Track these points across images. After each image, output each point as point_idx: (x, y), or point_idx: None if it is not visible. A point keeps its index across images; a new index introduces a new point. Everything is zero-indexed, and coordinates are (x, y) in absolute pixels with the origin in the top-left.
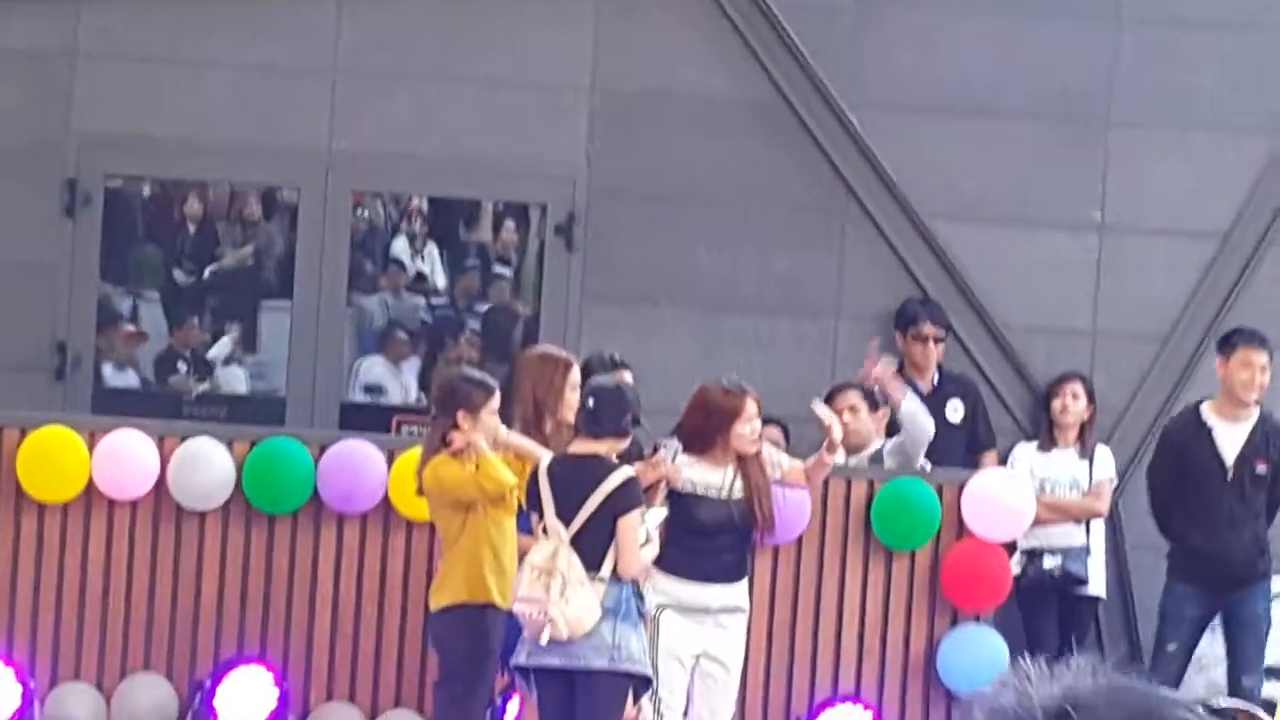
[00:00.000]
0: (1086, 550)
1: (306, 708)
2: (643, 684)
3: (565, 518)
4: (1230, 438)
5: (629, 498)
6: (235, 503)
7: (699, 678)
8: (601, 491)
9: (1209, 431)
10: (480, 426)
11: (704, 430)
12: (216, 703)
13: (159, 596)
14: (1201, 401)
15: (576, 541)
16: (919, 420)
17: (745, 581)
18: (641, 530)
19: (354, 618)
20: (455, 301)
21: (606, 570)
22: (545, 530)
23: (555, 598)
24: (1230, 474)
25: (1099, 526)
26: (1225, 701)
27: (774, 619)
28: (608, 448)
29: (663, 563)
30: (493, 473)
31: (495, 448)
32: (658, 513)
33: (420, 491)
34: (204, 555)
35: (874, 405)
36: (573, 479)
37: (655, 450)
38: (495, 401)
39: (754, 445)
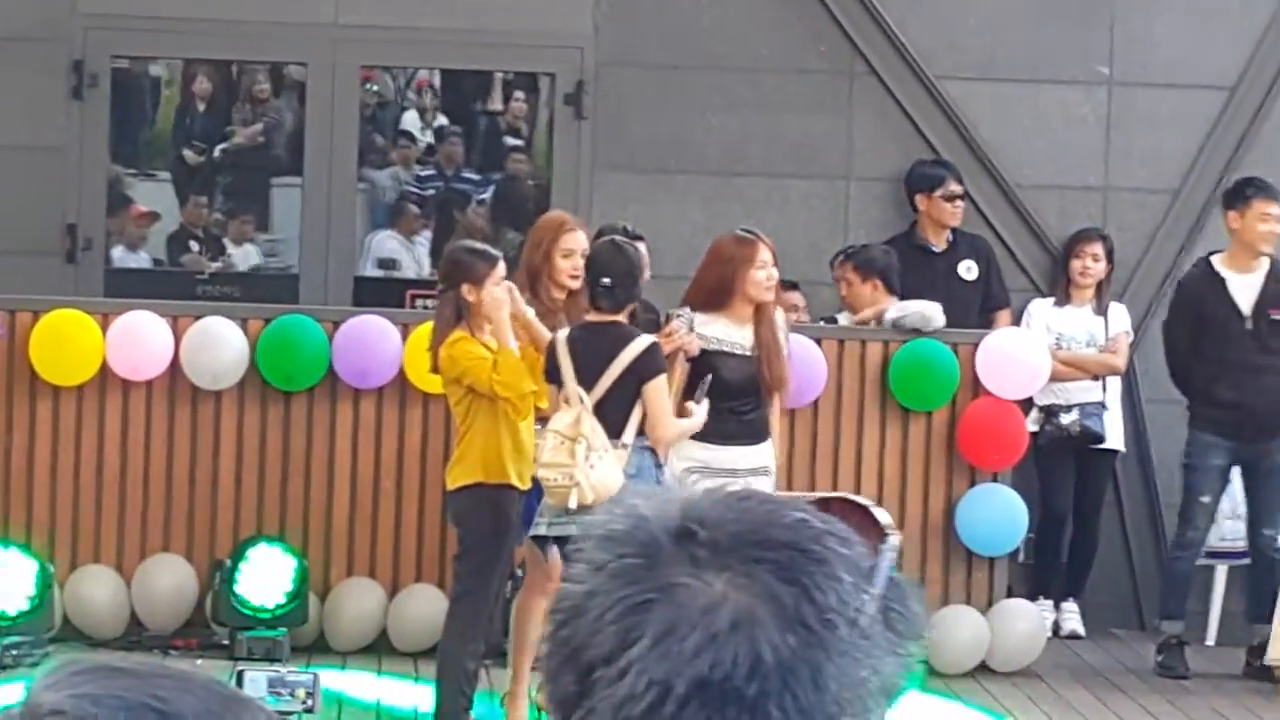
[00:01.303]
0: (1103, 406)
1: (327, 585)
2: None
3: (587, 385)
4: (1245, 288)
5: (653, 363)
6: (250, 381)
7: None
8: (624, 359)
9: (1224, 283)
10: (486, 297)
11: (720, 282)
12: (237, 582)
13: (176, 478)
14: (1211, 255)
15: (599, 409)
16: (922, 314)
17: (770, 442)
18: (670, 400)
19: (372, 494)
20: (458, 173)
21: (629, 437)
22: (566, 399)
23: (580, 463)
24: (1249, 323)
25: (1115, 382)
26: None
27: (791, 483)
28: (625, 315)
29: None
30: (510, 378)
31: (513, 323)
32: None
33: (435, 369)
34: (220, 435)
35: (891, 288)
36: (593, 347)
37: (668, 320)
38: (500, 271)
39: (769, 292)
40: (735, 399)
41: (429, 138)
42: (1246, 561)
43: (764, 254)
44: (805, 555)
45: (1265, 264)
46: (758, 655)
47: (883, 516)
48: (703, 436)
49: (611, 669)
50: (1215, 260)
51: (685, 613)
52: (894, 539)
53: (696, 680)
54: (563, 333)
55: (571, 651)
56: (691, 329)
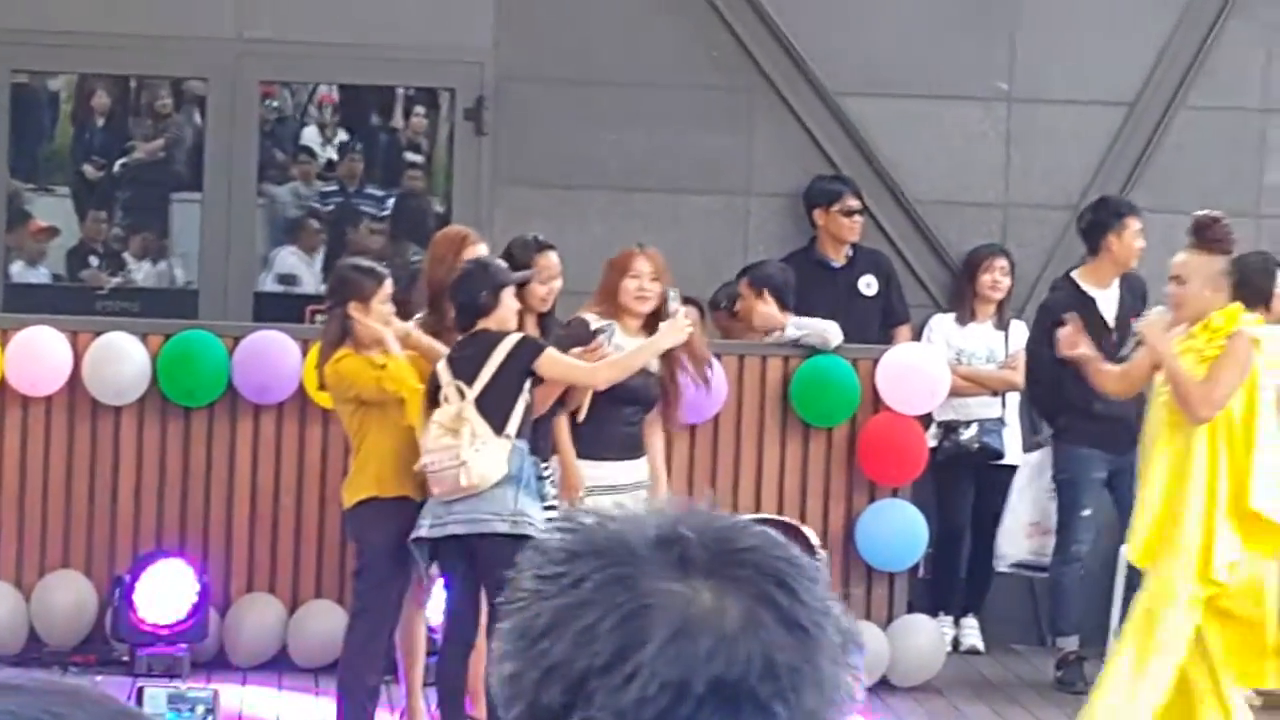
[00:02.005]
0: (1002, 422)
1: (227, 600)
2: None
3: (466, 381)
4: (1108, 302)
5: (531, 346)
6: (150, 397)
7: None
8: (499, 353)
9: (1093, 301)
10: (373, 315)
11: (606, 291)
12: (136, 598)
13: (76, 493)
14: (1069, 272)
15: (479, 404)
16: (820, 333)
17: (645, 458)
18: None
19: (272, 509)
20: (361, 189)
21: (512, 429)
22: (446, 398)
23: (465, 444)
24: (1115, 336)
25: (1014, 398)
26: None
27: (692, 498)
28: (493, 324)
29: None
30: (396, 373)
31: (402, 344)
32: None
33: (322, 386)
34: (120, 450)
35: (784, 305)
36: (467, 354)
37: (594, 335)
38: (387, 289)
39: (639, 303)
40: (627, 406)
41: (330, 153)
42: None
43: (639, 264)
44: (784, 561)
45: (1118, 276)
46: (768, 656)
47: (811, 535)
48: (586, 453)
49: (613, 676)
50: (1077, 278)
51: (691, 615)
52: (823, 554)
53: (713, 680)
54: (442, 362)
55: (554, 665)
56: (612, 341)
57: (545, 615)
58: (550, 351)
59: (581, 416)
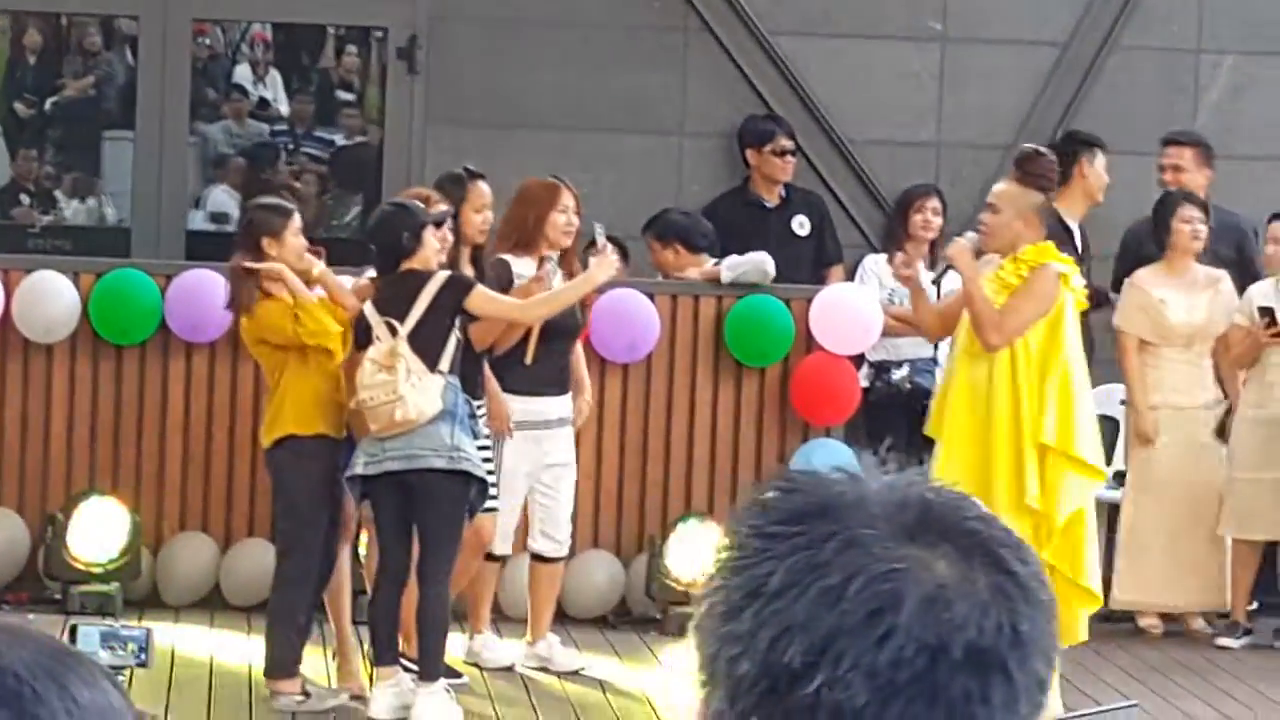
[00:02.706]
0: (935, 362)
1: (159, 539)
2: (480, 489)
3: (397, 320)
4: (1079, 240)
5: (461, 283)
6: (82, 335)
7: (538, 493)
8: (429, 291)
9: (1070, 231)
10: (287, 248)
11: (525, 224)
12: (69, 536)
13: (7, 431)
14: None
15: (411, 340)
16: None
17: (570, 394)
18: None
19: (205, 448)
20: (293, 128)
21: (444, 365)
22: (378, 337)
23: (402, 379)
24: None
25: (946, 339)
26: None
27: (625, 438)
28: (417, 264)
29: (503, 384)
30: (314, 325)
31: (309, 282)
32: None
33: (237, 324)
34: (52, 389)
35: (693, 248)
36: (393, 293)
37: (541, 264)
38: (296, 222)
39: (567, 237)
40: (557, 341)
41: (261, 90)
42: None
43: (566, 198)
44: (1007, 533)
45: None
46: (1015, 625)
47: None
48: (515, 388)
49: (865, 637)
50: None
51: (944, 581)
52: None
53: (968, 646)
54: (369, 303)
55: (794, 624)
56: (556, 276)
57: (779, 574)
58: (480, 289)
59: (530, 358)
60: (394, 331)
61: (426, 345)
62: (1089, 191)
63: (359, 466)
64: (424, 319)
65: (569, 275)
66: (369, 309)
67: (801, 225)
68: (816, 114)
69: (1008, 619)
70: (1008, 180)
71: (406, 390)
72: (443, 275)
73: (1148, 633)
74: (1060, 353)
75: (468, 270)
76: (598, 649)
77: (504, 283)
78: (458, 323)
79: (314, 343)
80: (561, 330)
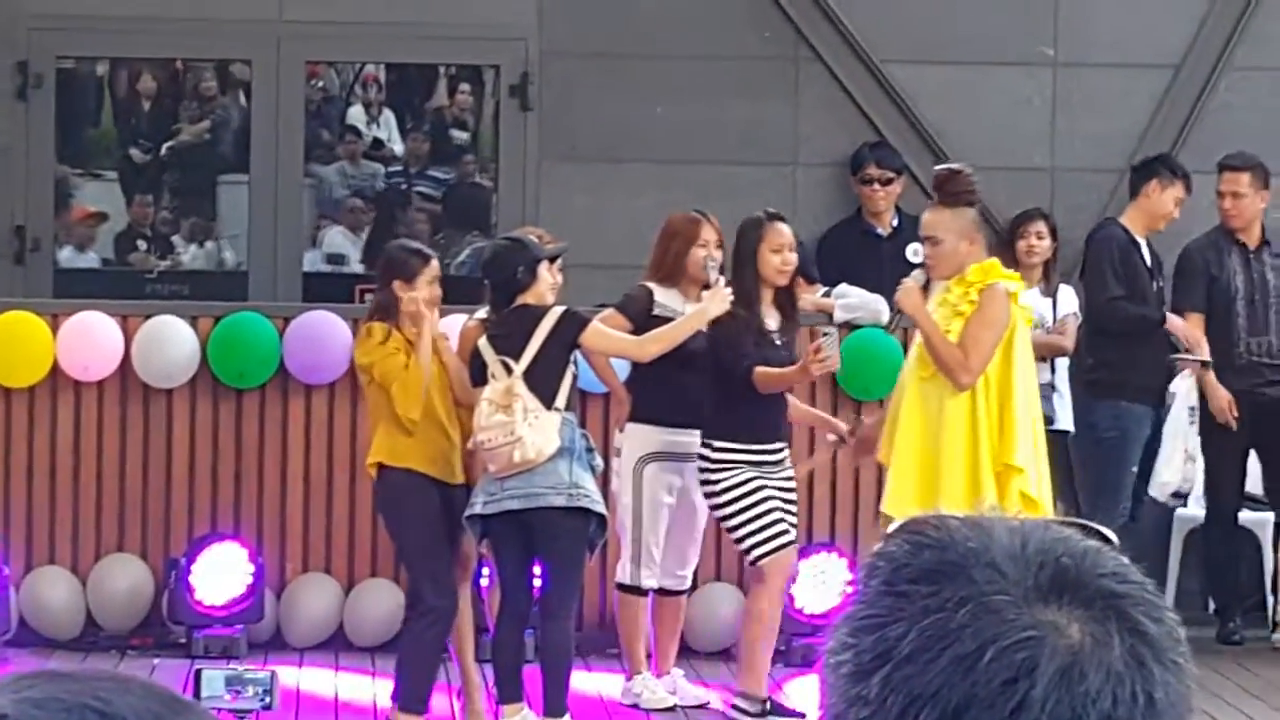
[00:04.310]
0: (1053, 387)
1: (283, 581)
2: (599, 524)
3: (512, 357)
4: (1147, 254)
5: (575, 321)
6: (201, 379)
7: (671, 523)
8: (543, 328)
9: (1137, 244)
10: (420, 295)
11: (667, 259)
12: (192, 580)
13: (130, 477)
14: (1117, 218)
15: (527, 378)
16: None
17: None
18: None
19: (326, 489)
20: (407, 168)
21: (561, 402)
22: (493, 375)
23: (519, 420)
24: (1156, 290)
25: (1064, 364)
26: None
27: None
28: (532, 298)
29: (635, 412)
30: (403, 397)
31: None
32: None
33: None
34: (173, 433)
35: (809, 279)
36: (509, 330)
37: (813, 336)
38: (434, 269)
39: (710, 273)
40: (693, 371)
41: (375, 132)
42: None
43: (706, 233)
44: (1143, 588)
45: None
46: (1150, 693)
47: (1110, 535)
48: (657, 419)
49: (997, 710)
50: (1126, 224)
51: (1079, 650)
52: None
53: (1103, 717)
54: (481, 337)
55: (925, 693)
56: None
57: (911, 638)
58: (595, 325)
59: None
60: (509, 370)
61: (543, 382)
62: (1150, 213)
63: (478, 506)
64: (539, 355)
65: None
66: (484, 345)
67: (916, 253)
68: (929, 141)
69: (1142, 686)
70: (934, 209)
71: (524, 431)
72: (558, 310)
73: None
74: (1013, 373)
75: (770, 314)
76: (723, 681)
77: (642, 308)
78: (574, 358)
79: (378, 376)
80: (702, 360)
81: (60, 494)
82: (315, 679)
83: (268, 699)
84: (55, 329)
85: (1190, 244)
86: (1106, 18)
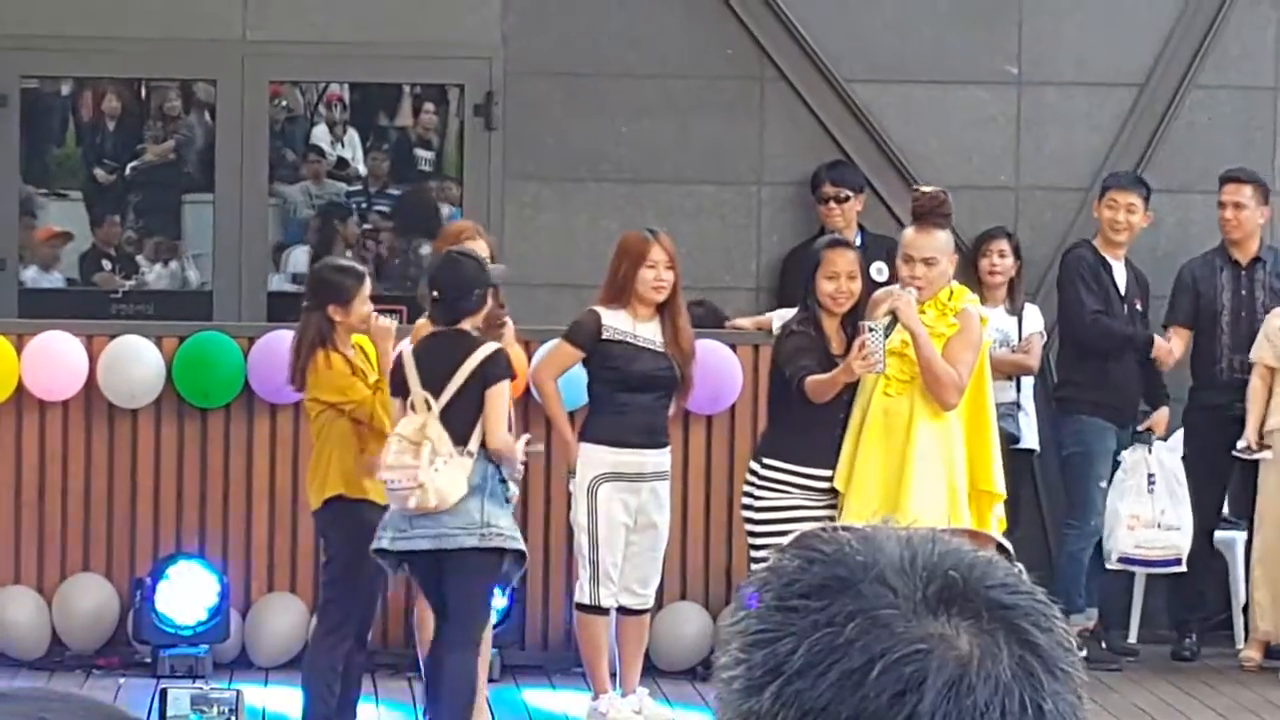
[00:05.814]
0: (1018, 406)
1: (248, 601)
2: (516, 560)
3: (433, 393)
4: (1118, 272)
5: (496, 369)
6: (166, 399)
7: (630, 546)
8: (468, 366)
9: (1109, 265)
10: (354, 317)
11: (617, 278)
12: (157, 600)
13: (95, 496)
14: (1089, 240)
15: (444, 415)
16: None
17: (668, 448)
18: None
19: (291, 508)
20: (368, 187)
21: (474, 445)
22: (413, 406)
23: (425, 465)
24: (1125, 308)
25: (1029, 383)
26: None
27: (710, 488)
28: (470, 324)
29: (588, 433)
30: (368, 405)
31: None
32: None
33: (298, 387)
34: (138, 453)
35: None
36: (438, 357)
37: (858, 332)
38: (367, 288)
39: (655, 292)
40: (645, 393)
41: (340, 151)
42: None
43: (655, 253)
44: (1033, 598)
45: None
46: (1038, 704)
47: (1007, 545)
48: (610, 440)
49: None
50: (1097, 244)
51: (966, 663)
52: (1019, 567)
53: None
54: (408, 345)
55: (814, 708)
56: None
57: (801, 653)
58: (503, 386)
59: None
60: (429, 406)
61: (458, 422)
62: (1102, 232)
63: (385, 541)
64: (459, 394)
65: (673, 327)
66: (410, 363)
67: (880, 271)
68: (894, 160)
69: (1031, 697)
70: (923, 230)
71: (428, 478)
72: (485, 350)
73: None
74: (985, 397)
75: (836, 339)
76: (689, 701)
77: (590, 334)
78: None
79: (364, 417)
80: (642, 382)
81: (25, 513)
82: (280, 698)
83: (233, 718)
84: (20, 349)
85: (1185, 262)
86: (1071, 36)
